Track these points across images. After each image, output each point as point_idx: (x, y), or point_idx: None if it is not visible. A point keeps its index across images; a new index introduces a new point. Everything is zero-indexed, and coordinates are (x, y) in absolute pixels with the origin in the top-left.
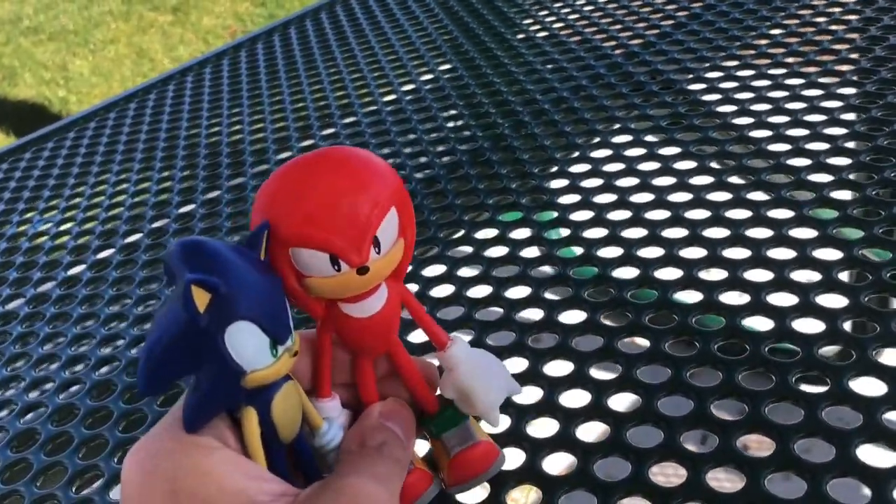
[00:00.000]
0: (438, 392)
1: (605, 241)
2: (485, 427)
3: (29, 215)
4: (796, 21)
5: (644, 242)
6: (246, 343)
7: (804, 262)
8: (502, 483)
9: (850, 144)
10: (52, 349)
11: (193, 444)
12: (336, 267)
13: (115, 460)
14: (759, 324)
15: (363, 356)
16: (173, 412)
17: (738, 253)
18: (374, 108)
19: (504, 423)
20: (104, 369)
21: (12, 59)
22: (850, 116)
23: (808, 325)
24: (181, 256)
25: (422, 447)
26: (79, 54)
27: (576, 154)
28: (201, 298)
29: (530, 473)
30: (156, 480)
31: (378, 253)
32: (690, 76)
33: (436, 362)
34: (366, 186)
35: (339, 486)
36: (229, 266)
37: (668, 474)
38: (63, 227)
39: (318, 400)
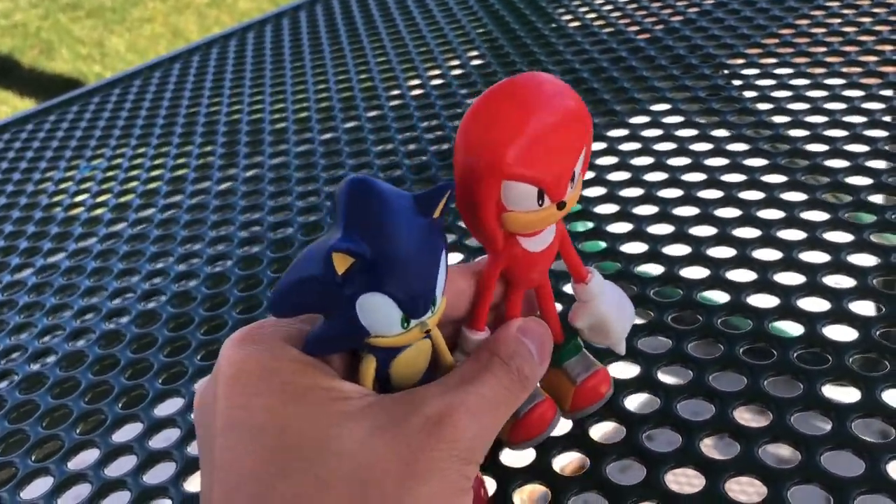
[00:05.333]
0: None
1: (640, 200)
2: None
3: (76, 162)
4: (838, 2)
5: (680, 202)
6: (376, 313)
7: (836, 224)
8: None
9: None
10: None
11: (294, 348)
12: (540, 202)
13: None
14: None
15: (518, 288)
16: (294, 319)
17: (771, 213)
18: (398, 94)
19: None
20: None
21: (50, 33)
22: (889, 92)
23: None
24: (346, 198)
25: None
26: (115, 31)
27: (615, 119)
28: (343, 262)
29: (539, 472)
30: (252, 365)
31: (571, 188)
32: (729, 51)
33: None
34: (571, 119)
35: (431, 416)
36: (390, 226)
37: (681, 482)
38: (109, 174)
39: (471, 331)
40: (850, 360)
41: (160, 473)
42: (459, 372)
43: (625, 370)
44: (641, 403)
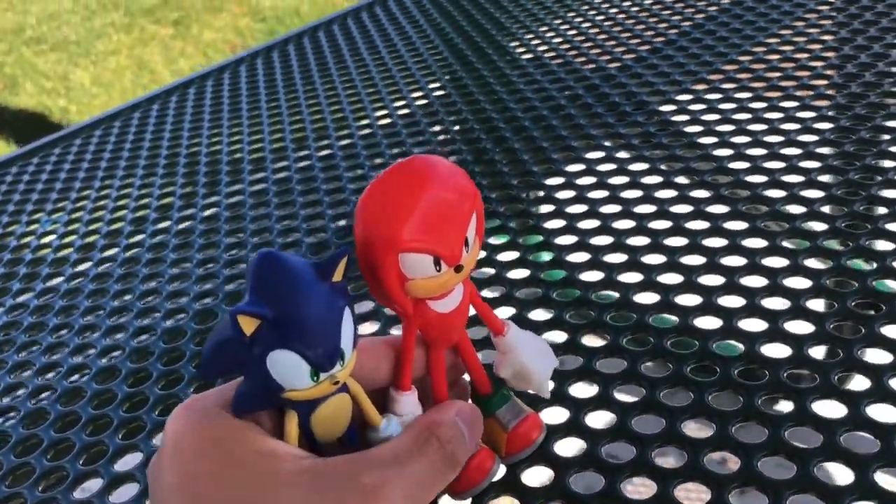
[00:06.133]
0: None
1: (574, 247)
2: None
3: (38, 216)
4: (763, 48)
5: (610, 249)
6: (285, 368)
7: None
8: (483, 494)
9: (818, 156)
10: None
11: (233, 417)
12: (437, 268)
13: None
14: (732, 347)
15: (438, 347)
16: (231, 385)
17: (694, 259)
18: (366, 124)
19: None
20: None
21: (14, 68)
22: (810, 137)
23: (777, 350)
24: (254, 269)
25: None
26: (80, 65)
27: (552, 167)
28: (249, 324)
29: (509, 486)
30: (194, 436)
31: (467, 252)
32: (662, 98)
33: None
34: (457, 192)
35: (367, 484)
36: (294, 292)
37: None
38: (70, 227)
39: (399, 392)
40: (785, 374)
41: None
42: (397, 445)
43: (554, 415)
44: (569, 447)
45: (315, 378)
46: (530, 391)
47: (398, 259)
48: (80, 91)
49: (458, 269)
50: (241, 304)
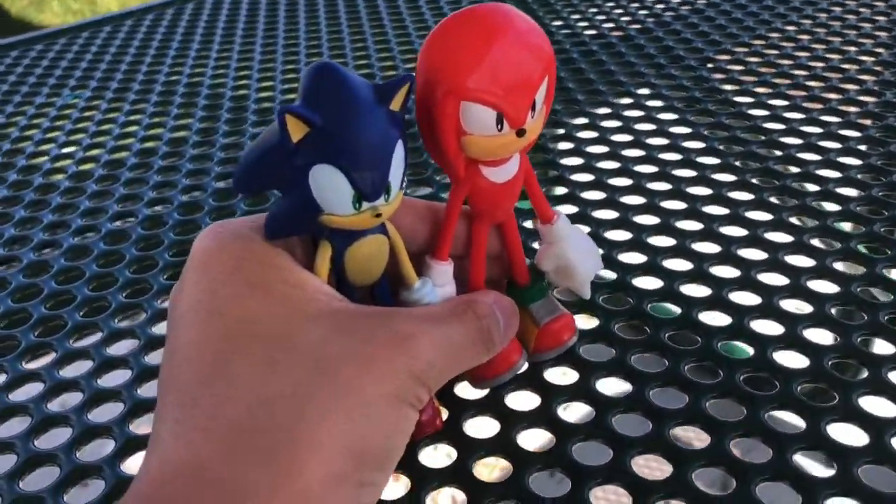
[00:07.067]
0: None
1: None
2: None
3: (58, 91)
4: (810, 21)
5: (639, 208)
6: (327, 187)
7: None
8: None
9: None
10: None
11: (265, 241)
12: (499, 127)
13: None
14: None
15: (483, 222)
16: (263, 215)
17: (697, 214)
18: (408, 43)
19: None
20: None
21: None
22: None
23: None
24: (310, 76)
25: None
26: None
27: (576, 109)
28: (297, 129)
29: (532, 381)
30: (222, 255)
31: (532, 117)
32: (700, 55)
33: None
34: (533, 49)
35: (398, 331)
36: (349, 105)
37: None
38: (92, 103)
39: (435, 262)
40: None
41: (116, 378)
42: (432, 309)
43: (583, 322)
44: (598, 352)
45: (357, 206)
46: (570, 289)
47: (459, 108)
48: None
49: (521, 133)
50: (292, 104)
